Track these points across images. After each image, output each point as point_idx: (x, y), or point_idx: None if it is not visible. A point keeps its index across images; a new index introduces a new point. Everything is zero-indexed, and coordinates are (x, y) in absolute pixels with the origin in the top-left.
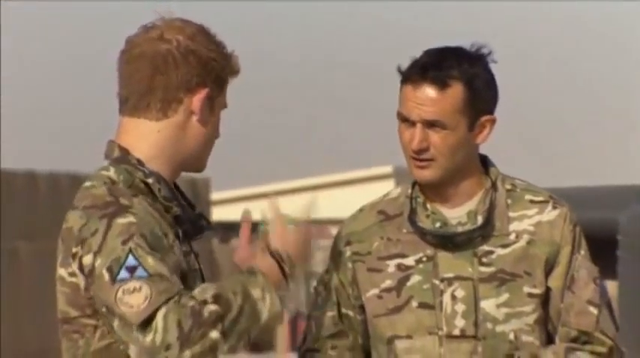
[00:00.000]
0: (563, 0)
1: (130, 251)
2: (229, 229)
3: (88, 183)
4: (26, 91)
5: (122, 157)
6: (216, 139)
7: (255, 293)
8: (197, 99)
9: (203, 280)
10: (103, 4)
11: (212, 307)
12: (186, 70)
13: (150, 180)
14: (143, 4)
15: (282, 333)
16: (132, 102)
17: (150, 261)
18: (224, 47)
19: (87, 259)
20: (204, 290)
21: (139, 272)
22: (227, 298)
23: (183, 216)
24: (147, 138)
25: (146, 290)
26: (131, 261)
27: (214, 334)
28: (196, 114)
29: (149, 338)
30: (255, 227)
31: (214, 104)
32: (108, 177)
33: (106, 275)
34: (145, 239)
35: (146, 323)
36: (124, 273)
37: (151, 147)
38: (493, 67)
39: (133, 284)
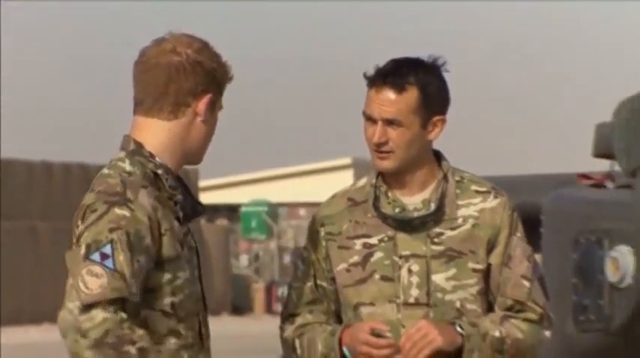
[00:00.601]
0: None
1: (111, 241)
2: (214, 211)
3: (106, 171)
4: (45, 93)
5: (137, 150)
6: (212, 136)
7: None
8: (202, 104)
9: (198, 255)
10: (104, 4)
11: (132, 350)
12: (194, 78)
13: (159, 171)
14: (144, 4)
15: (259, 298)
16: (147, 105)
17: (121, 258)
18: (223, 59)
19: (80, 229)
20: (140, 337)
21: (108, 262)
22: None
23: (184, 202)
24: (158, 136)
25: (104, 281)
26: (107, 249)
27: None
28: (200, 116)
29: (82, 318)
30: (235, 209)
31: (215, 107)
32: (124, 169)
33: (83, 249)
34: (128, 237)
35: (89, 307)
36: (96, 256)
37: (161, 143)
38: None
39: (98, 270)
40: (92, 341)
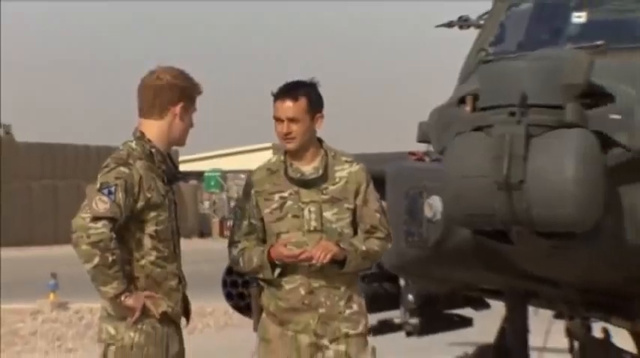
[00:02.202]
0: None
1: (115, 185)
2: (188, 175)
3: (120, 147)
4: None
5: (141, 137)
6: (190, 129)
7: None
8: (177, 109)
9: (175, 204)
10: (105, 4)
11: (110, 257)
12: (171, 94)
13: (153, 151)
14: (144, 4)
15: (215, 227)
16: (144, 111)
17: (119, 195)
18: (193, 80)
19: (99, 175)
20: (116, 253)
21: (111, 196)
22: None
23: (167, 171)
24: (152, 129)
25: (107, 206)
26: (112, 188)
27: (96, 261)
28: (178, 117)
29: (90, 225)
30: (201, 174)
31: (188, 110)
32: (131, 147)
33: (98, 185)
34: (125, 184)
35: (96, 219)
36: (105, 191)
37: (154, 134)
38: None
39: (105, 199)
40: (90, 240)
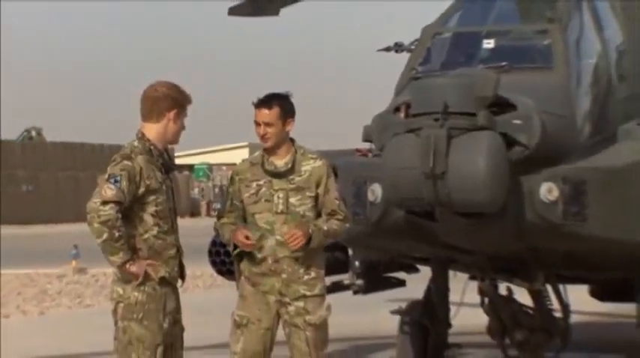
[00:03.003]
0: None
1: (121, 175)
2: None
3: (125, 146)
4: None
5: (142, 136)
6: (182, 131)
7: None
8: (171, 115)
9: (172, 189)
10: (106, 4)
11: (116, 233)
12: (166, 102)
13: (152, 148)
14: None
15: (203, 209)
16: (144, 116)
17: (124, 184)
18: (184, 92)
19: (108, 167)
20: (122, 229)
21: (117, 184)
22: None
23: (164, 163)
24: (151, 131)
25: (114, 192)
26: (117, 178)
27: (105, 236)
28: (171, 121)
29: (101, 207)
30: (192, 166)
31: (180, 116)
32: (133, 145)
33: (106, 176)
34: (128, 175)
35: (105, 203)
36: (112, 180)
37: (153, 134)
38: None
39: (112, 186)
40: (100, 220)
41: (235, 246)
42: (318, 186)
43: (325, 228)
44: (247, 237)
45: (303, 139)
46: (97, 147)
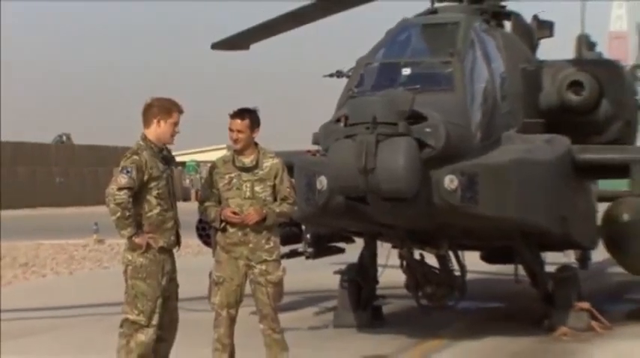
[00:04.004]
0: None
1: (131, 167)
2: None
3: (133, 145)
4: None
5: (144, 138)
6: (175, 134)
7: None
8: (162, 122)
9: (172, 179)
10: (106, 4)
11: (127, 213)
12: (159, 112)
13: (152, 146)
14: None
15: (193, 196)
16: (144, 122)
17: (133, 174)
18: (176, 102)
19: (121, 161)
20: (132, 210)
21: (128, 174)
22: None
23: (164, 157)
24: (150, 133)
25: (126, 180)
26: (129, 169)
27: (118, 214)
28: (158, 125)
29: (116, 192)
30: (184, 163)
31: (164, 120)
32: (139, 144)
33: (120, 168)
34: (136, 166)
35: (119, 189)
36: (125, 171)
37: (151, 135)
38: None
39: (125, 175)
40: (115, 202)
41: (222, 221)
42: (275, 177)
43: (278, 210)
44: (234, 213)
45: (275, 140)
46: (112, 148)
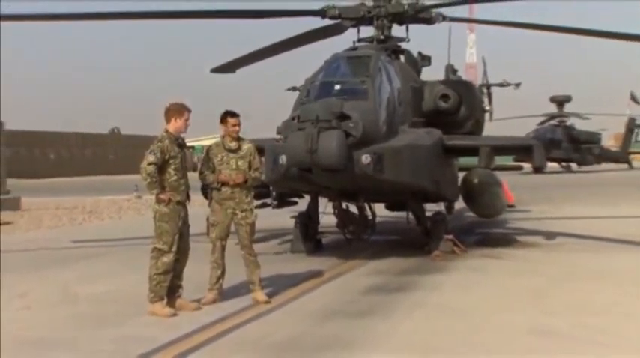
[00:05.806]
0: None
1: (157, 148)
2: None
3: (159, 135)
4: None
5: (166, 130)
6: (188, 127)
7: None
8: (176, 118)
9: (184, 158)
10: (107, 4)
11: (153, 180)
12: (174, 112)
13: (171, 135)
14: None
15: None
16: (165, 119)
17: (158, 154)
18: (186, 105)
19: (150, 146)
20: (157, 179)
21: (154, 154)
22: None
23: (179, 143)
24: (170, 127)
25: (154, 158)
26: (155, 151)
27: (148, 180)
28: (175, 122)
29: (147, 167)
30: (194, 146)
31: (179, 118)
32: (163, 134)
33: (149, 151)
34: (160, 148)
35: (149, 164)
36: (152, 152)
37: (171, 129)
38: None
39: (152, 155)
40: (147, 172)
41: (218, 183)
42: (250, 156)
43: (253, 176)
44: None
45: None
46: (144, 137)
